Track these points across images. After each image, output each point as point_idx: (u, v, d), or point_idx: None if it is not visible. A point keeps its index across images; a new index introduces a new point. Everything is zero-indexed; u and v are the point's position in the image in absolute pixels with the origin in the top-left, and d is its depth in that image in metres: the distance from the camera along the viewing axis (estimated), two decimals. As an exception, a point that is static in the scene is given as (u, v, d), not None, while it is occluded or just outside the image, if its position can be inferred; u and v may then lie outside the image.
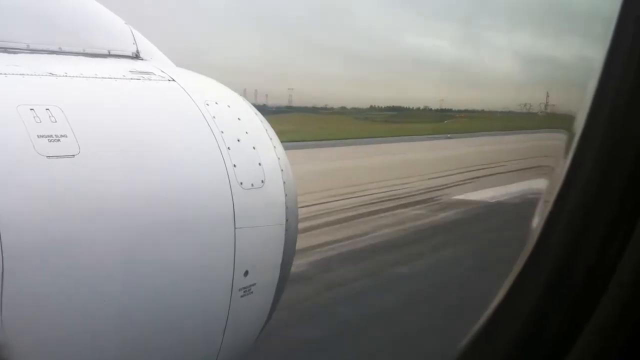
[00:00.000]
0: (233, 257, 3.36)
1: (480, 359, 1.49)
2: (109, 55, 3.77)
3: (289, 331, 7.55)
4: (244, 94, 4.45)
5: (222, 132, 3.47)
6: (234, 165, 3.42)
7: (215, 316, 3.41)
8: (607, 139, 1.31)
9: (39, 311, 2.70)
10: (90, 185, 2.83)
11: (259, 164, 3.62)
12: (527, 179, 24.53)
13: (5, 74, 2.94)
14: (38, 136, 2.72)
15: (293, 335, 7.67)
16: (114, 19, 4.00)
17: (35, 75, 3.04)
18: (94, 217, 2.82)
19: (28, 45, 3.40)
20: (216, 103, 3.63)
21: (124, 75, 3.44)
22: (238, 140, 3.55)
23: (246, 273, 3.45)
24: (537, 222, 1.44)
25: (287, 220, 3.74)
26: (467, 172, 26.73)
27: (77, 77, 3.21)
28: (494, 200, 20.01)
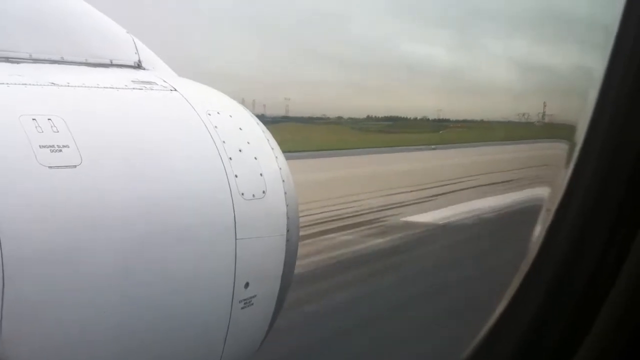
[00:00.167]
0: (234, 268, 3.35)
1: None
2: (111, 65, 3.77)
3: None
4: (242, 102, 4.45)
5: (223, 142, 3.47)
6: (236, 176, 3.42)
7: (216, 327, 3.39)
8: (607, 148, 1.32)
9: (38, 321, 2.69)
10: (91, 195, 2.83)
11: (261, 175, 3.62)
12: (499, 193, 23.19)
13: (7, 83, 2.94)
14: (40, 146, 2.71)
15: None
16: (116, 28, 4.00)
17: (38, 85, 3.04)
18: (95, 226, 2.81)
19: (30, 55, 3.40)
20: (218, 113, 3.63)
21: (126, 85, 3.44)
22: (240, 151, 3.55)
23: (247, 285, 3.43)
24: (539, 230, 1.45)
25: (288, 230, 3.73)
26: (435, 187, 24.82)
27: (79, 87, 3.21)
28: (442, 222, 17.83)
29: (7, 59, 3.28)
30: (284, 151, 3.97)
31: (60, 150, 2.77)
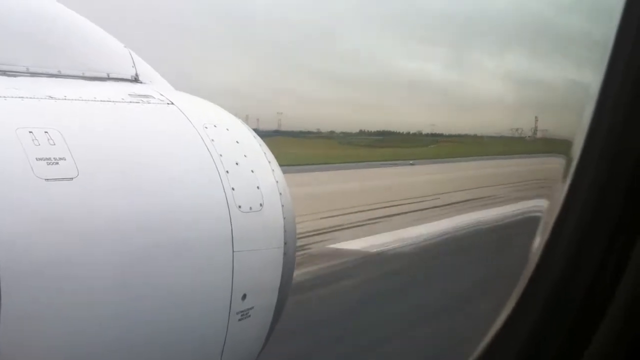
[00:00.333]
0: (231, 281, 3.34)
1: None
2: (108, 78, 3.78)
3: None
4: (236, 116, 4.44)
5: (220, 155, 3.48)
6: (233, 189, 3.42)
7: (213, 339, 3.38)
8: (605, 159, 1.33)
9: (35, 334, 2.67)
10: (88, 207, 2.82)
11: (258, 187, 3.62)
12: (459, 213, 21.38)
13: (4, 97, 2.94)
14: (37, 159, 2.72)
15: None
16: (113, 42, 4.02)
17: (35, 98, 3.05)
18: (92, 239, 2.81)
19: (27, 69, 3.40)
20: (215, 126, 3.64)
21: (122, 99, 3.45)
22: (237, 164, 3.55)
23: (244, 297, 3.42)
24: (537, 244, 1.45)
25: (285, 243, 3.73)
26: (389, 207, 22.54)
27: (76, 100, 3.21)
28: (375, 250, 15.28)
29: (5, 73, 3.29)
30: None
31: (57, 163, 2.77)
